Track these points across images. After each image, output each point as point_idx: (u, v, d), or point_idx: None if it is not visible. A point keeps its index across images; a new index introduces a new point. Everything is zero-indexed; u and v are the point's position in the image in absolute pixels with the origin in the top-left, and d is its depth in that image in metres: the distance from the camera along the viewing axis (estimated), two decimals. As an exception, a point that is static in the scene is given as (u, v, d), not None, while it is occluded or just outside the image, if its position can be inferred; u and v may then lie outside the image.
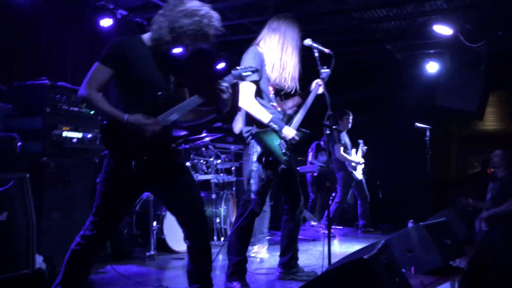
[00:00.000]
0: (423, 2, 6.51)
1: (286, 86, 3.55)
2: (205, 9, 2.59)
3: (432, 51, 8.27)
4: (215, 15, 2.61)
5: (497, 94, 9.02)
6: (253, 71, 2.74)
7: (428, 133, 6.26)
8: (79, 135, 4.08)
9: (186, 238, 2.66)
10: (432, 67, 8.17)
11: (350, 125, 7.06)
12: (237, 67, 2.75)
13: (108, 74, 2.51)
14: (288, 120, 3.54)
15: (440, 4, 6.51)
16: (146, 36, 2.62)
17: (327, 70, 3.57)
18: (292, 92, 3.63)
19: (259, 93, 3.48)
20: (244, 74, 2.70)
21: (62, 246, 3.15)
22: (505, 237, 4.75)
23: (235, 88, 2.85)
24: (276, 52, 3.50)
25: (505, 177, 5.16)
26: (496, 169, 5.33)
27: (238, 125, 4.48)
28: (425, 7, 6.68)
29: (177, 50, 2.64)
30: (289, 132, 3.45)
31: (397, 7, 6.72)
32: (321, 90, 3.65)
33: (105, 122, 2.52)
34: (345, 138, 7.02)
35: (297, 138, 3.49)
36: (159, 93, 2.56)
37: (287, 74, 3.51)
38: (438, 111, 7.43)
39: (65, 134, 3.96)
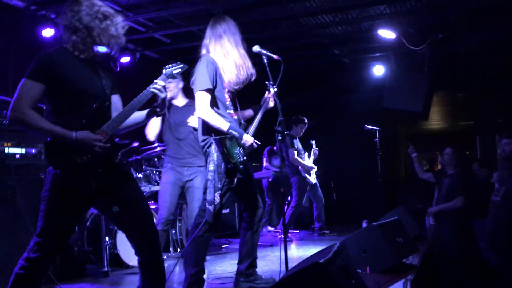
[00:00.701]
0: (366, 7, 6.71)
1: (247, 79, 3.57)
2: (105, 7, 2.55)
3: (377, 54, 8.53)
4: (113, 12, 2.57)
5: (440, 95, 9.41)
6: (181, 67, 2.78)
7: (377, 134, 6.44)
8: (22, 150, 3.89)
9: (136, 253, 2.57)
10: (378, 70, 8.41)
11: (302, 132, 7.16)
12: (166, 66, 2.76)
13: (40, 89, 2.38)
14: (244, 129, 3.55)
15: (383, 9, 6.73)
16: (69, 46, 2.52)
17: (275, 88, 3.64)
18: (253, 79, 3.63)
19: (214, 102, 3.45)
20: (174, 71, 2.74)
21: (5, 269, 2.98)
22: (454, 232, 4.92)
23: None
24: (234, 53, 3.51)
25: (454, 175, 5.36)
26: (446, 166, 5.52)
27: (152, 131, 4.49)
28: (368, 12, 6.89)
29: (102, 49, 2.56)
30: (249, 139, 3.46)
31: (342, 12, 6.89)
32: (271, 103, 3.73)
33: (47, 139, 2.39)
34: (297, 143, 7.10)
35: (255, 145, 3.50)
36: (94, 105, 2.47)
37: (244, 70, 3.53)
38: (386, 112, 7.66)
39: (7, 150, 3.77)
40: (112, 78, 2.68)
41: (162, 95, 2.61)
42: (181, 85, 4.53)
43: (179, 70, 2.76)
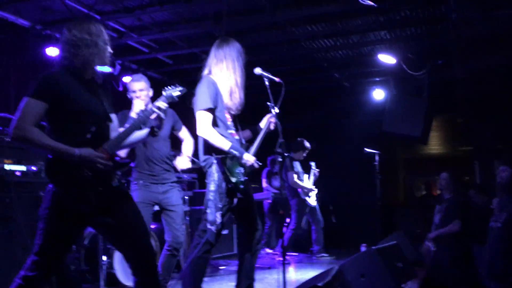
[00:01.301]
0: (367, 32, 6.81)
1: (233, 109, 3.60)
2: (100, 28, 2.63)
3: (377, 79, 8.62)
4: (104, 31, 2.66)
5: (439, 119, 9.46)
6: (180, 90, 2.82)
7: (377, 158, 6.45)
8: (22, 168, 3.90)
9: (133, 273, 2.56)
10: (378, 94, 8.47)
11: (303, 157, 7.17)
12: (166, 88, 2.80)
13: (42, 108, 2.40)
14: (246, 149, 3.55)
15: (384, 34, 6.83)
16: (71, 65, 2.56)
17: (277, 110, 3.66)
18: (237, 111, 3.66)
19: (215, 122, 3.47)
20: (174, 93, 2.78)
21: (2, 287, 2.96)
22: (453, 259, 4.89)
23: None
24: (230, 80, 3.54)
25: (450, 199, 5.36)
26: (443, 191, 5.53)
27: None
28: (369, 37, 6.99)
29: (106, 69, 2.62)
30: (250, 158, 3.46)
31: (343, 37, 6.99)
32: (272, 126, 3.73)
33: (49, 157, 2.41)
34: (297, 166, 7.10)
35: (256, 165, 3.50)
36: (94, 126, 2.50)
37: (235, 100, 3.56)
38: (385, 136, 7.69)
39: (7, 167, 3.78)
40: (109, 96, 2.73)
41: (162, 116, 2.68)
42: (151, 93, 4.26)
43: (179, 93, 2.80)
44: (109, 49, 2.63)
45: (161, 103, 2.68)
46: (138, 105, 3.97)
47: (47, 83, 2.45)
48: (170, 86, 2.82)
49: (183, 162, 4.15)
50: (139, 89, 4.04)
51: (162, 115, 2.67)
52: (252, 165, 3.48)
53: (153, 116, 2.70)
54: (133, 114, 3.92)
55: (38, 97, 2.40)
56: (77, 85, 2.52)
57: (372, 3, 5.15)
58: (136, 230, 2.57)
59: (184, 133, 4.35)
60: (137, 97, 4.03)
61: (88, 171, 2.39)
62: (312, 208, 7.10)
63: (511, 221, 4.24)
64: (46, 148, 2.37)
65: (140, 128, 2.70)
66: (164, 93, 2.77)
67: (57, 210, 2.42)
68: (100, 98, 2.62)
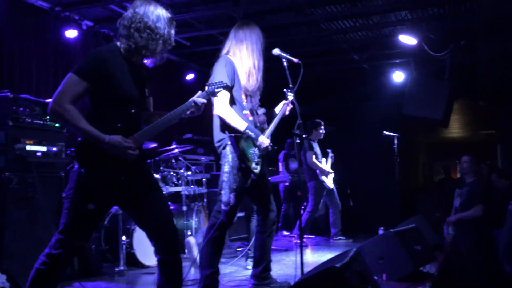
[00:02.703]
0: (387, 13, 6.66)
1: (260, 88, 3.60)
2: (169, 14, 2.58)
3: (398, 60, 8.46)
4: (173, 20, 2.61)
5: (461, 102, 9.29)
6: (224, 87, 2.80)
7: (396, 141, 6.37)
8: (43, 148, 3.96)
9: (156, 252, 2.59)
10: (398, 77, 8.34)
11: (322, 136, 7.12)
12: (210, 83, 2.75)
13: (84, 87, 2.39)
14: (261, 131, 3.55)
15: (404, 14, 6.68)
16: (119, 46, 2.53)
17: (291, 96, 3.67)
18: (260, 93, 3.66)
19: (232, 101, 3.47)
20: (216, 90, 2.74)
21: (26, 265, 3.03)
22: (473, 244, 4.84)
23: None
24: (249, 61, 3.54)
25: (473, 183, 5.26)
26: (465, 175, 5.43)
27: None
28: (389, 18, 6.84)
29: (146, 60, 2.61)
30: (265, 140, 3.47)
31: (362, 18, 6.86)
32: (287, 111, 3.75)
33: (79, 139, 2.42)
34: (316, 147, 7.06)
35: (270, 148, 3.50)
36: (133, 111, 2.50)
37: (253, 81, 3.55)
38: (405, 119, 7.59)
39: (28, 148, 3.84)
40: (149, 81, 2.70)
41: (198, 113, 2.65)
42: None
43: (221, 89, 2.77)
44: (170, 41, 2.56)
45: (200, 99, 2.63)
46: None
47: (92, 63, 2.43)
48: (214, 82, 2.76)
49: None
50: None
51: (197, 111, 2.64)
52: (266, 148, 3.48)
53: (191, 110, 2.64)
54: None
55: (82, 75, 2.39)
56: (124, 69, 2.49)
57: None
58: (158, 209, 2.58)
59: None
60: None
61: (113, 159, 2.40)
62: (330, 191, 7.07)
63: None
64: (78, 129, 2.38)
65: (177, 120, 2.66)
66: (206, 88, 2.72)
67: (82, 190, 2.45)
68: (144, 84, 2.60)
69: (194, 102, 2.61)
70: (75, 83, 2.38)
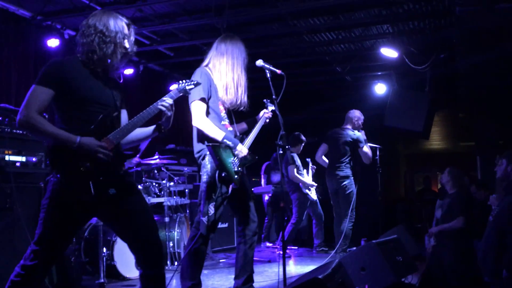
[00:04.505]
0: (369, 26, 6.77)
1: (242, 104, 3.60)
2: (125, 21, 2.61)
3: (379, 73, 8.57)
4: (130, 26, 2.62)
5: (441, 114, 9.43)
6: (195, 84, 2.80)
7: (378, 153, 6.43)
8: (22, 159, 3.89)
9: (139, 265, 2.54)
10: (380, 89, 8.44)
11: (300, 150, 7.17)
12: (180, 81, 2.77)
13: (49, 95, 2.40)
14: (240, 141, 3.55)
15: (386, 28, 6.79)
16: (80, 56, 2.55)
17: (273, 107, 3.71)
18: (244, 109, 3.66)
19: (208, 113, 3.48)
20: (188, 87, 2.74)
21: (2, 277, 2.96)
22: (454, 254, 4.87)
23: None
24: (228, 74, 3.54)
25: (454, 194, 5.32)
26: (446, 185, 5.49)
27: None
28: (371, 31, 6.95)
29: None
30: (243, 149, 3.47)
31: (345, 30, 6.95)
32: (267, 120, 3.81)
33: (50, 144, 2.39)
34: (297, 160, 7.09)
35: (249, 157, 3.51)
36: (102, 114, 2.48)
37: (241, 93, 3.57)
38: (387, 131, 7.67)
39: (7, 158, 3.77)
40: (122, 92, 2.70)
41: (169, 113, 2.62)
42: None
43: (192, 86, 2.78)
44: (128, 47, 2.58)
45: (168, 100, 2.62)
46: None
47: (53, 70, 2.44)
48: (185, 80, 2.77)
49: None
50: None
51: (167, 112, 2.62)
52: (245, 157, 3.49)
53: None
54: None
55: (44, 83, 2.40)
56: (85, 74, 2.50)
57: None
58: (142, 221, 2.53)
59: None
60: None
61: (89, 161, 2.37)
62: (313, 202, 7.09)
63: (500, 215, 4.21)
64: (48, 135, 2.36)
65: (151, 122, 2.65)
66: (177, 85, 2.73)
67: (58, 200, 2.40)
68: (111, 89, 2.59)
69: (159, 104, 2.60)
70: (40, 92, 2.39)
